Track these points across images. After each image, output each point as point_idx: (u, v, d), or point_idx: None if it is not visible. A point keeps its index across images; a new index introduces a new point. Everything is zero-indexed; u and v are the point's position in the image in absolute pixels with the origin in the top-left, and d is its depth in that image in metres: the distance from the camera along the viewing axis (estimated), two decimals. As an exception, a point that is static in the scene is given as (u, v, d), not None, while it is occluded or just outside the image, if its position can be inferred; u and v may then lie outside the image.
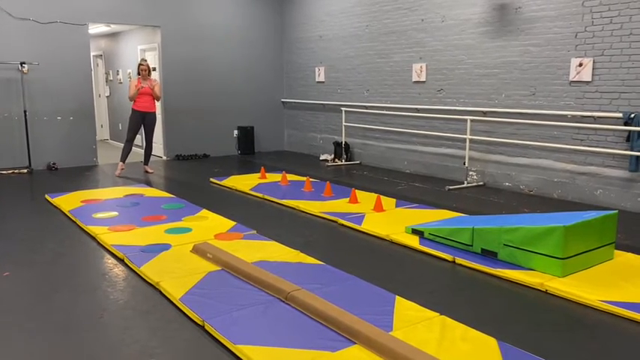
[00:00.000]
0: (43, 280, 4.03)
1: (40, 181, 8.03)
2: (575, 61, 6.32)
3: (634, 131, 5.77)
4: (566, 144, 6.51)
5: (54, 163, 8.99)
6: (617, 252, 4.37)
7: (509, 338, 3.02)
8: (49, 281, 4.01)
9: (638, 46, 5.78)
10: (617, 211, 4.34)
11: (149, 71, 8.50)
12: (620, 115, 5.93)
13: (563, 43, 6.43)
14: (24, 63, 8.56)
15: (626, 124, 5.87)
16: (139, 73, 8.40)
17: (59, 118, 9.09)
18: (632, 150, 5.83)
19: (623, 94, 5.95)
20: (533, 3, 6.70)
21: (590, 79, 6.22)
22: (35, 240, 5.07)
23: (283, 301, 3.49)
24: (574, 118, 6.40)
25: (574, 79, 6.37)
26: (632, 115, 5.78)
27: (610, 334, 3.15)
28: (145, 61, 8.59)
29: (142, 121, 8.47)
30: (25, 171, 8.65)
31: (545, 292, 3.73)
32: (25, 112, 8.68)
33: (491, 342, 2.95)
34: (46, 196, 6.78)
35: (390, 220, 5.50)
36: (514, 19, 6.94)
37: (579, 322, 3.31)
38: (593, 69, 6.18)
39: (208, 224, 5.44)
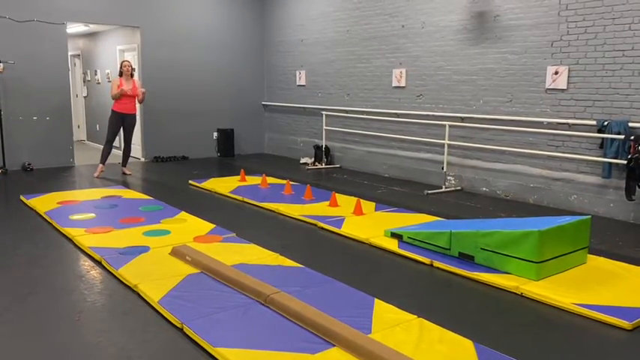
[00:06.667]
0: (17, 283, 3.97)
1: (14, 182, 7.89)
2: (551, 69, 6.46)
3: (607, 138, 5.91)
4: (542, 150, 6.63)
5: (29, 164, 8.84)
6: (590, 256, 4.46)
7: (485, 340, 3.07)
8: (24, 283, 3.95)
9: (611, 55, 5.93)
10: (590, 216, 4.44)
11: (132, 72, 8.41)
12: (594, 122, 6.07)
13: (539, 51, 6.56)
14: (-1, 61, 8.43)
15: (599, 131, 6.01)
16: (121, 74, 8.30)
17: (35, 118, 8.95)
18: (605, 157, 5.96)
19: (597, 102, 6.10)
20: (511, 11, 6.82)
21: (565, 87, 6.36)
22: (9, 242, 4.98)
23: (263, 304, 3.49)
24: (550, 125, 6.53)
25: (550, 87, 6.50)
26: (606, 123, 5.92)
27: (583, 336, 3.23)
28: (128, 61, 8.50)
29: (122, 122, 8.38)
30: (0, 171, 8.49)
31: (521, 295, 3.80)
32: None
33: (468, 344, 3.00)
34: (21, 197, 6.66)
35: (369, 224, 5.54)
36: (492, 27, 7.05)
37: (554, 324, 3.37)
38: (568, 77, 6.31)
39: (187, 227, 5.41)
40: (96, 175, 8.33)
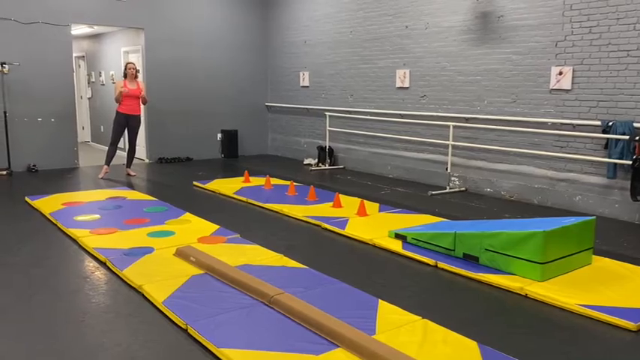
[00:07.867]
0: (22, 283, 3.98)
1: (19, 183, 7.92)
2: (555, 70, 6.44)
3: (611, 139, 5.89)
4: (547, 151, 6.61)
5: (34, 165, 8.87)
6: (595, 257, 4.45)
7: (489, 341, 3.06)
8: (28, 284, 3.96)
9: (616, 55, 5.91)
10: (595, 217, 4.43)
11: (136, 73, 8.43)
12: (599, 123, 6.05)
13: (543, 51, 6.55)
14: (4, 63, 8.44)
15: (604, 131, 5.98)
16: (125, 75, 8.32)
17: (40, 119, 8.98)
18: (609, 157, 5.94)
19: (601, 102, 6.08)
20: (515, 12, 6.81)
21: (569, 88, 6.34)
22: (14, 242, 5.00)
23: (267, 305, 3.49)
24: (554, 126, 6.51)
25: (554, 87, 6.48)
26: (610, 124, 5.90)
27: (587, 338, 3.22)
28: (133, 63, 8.51)
29: (127, 123, 8.40)
30: (5, 173, 8.52)
31: (525, 296, 3.79)
32: (4, 113, 8.56)
33: (472, 345, 2.99)
34: (26, 199, 6.68)
35: (373, 225, 5.53)
36: (496, 28, 7.04)
37: (558, 325, 3.37)
38: (572, 77, 6.30)
39: (191, 228, 5.42)
40: (100, 176, 8.35)
